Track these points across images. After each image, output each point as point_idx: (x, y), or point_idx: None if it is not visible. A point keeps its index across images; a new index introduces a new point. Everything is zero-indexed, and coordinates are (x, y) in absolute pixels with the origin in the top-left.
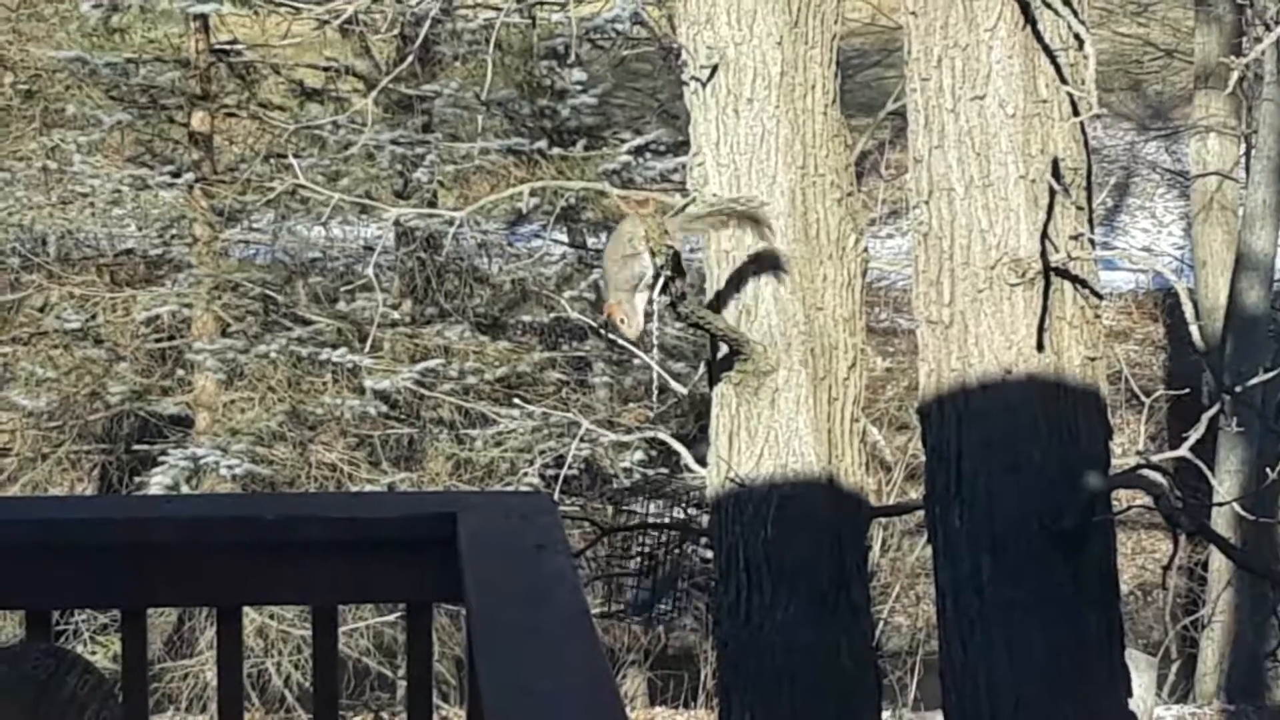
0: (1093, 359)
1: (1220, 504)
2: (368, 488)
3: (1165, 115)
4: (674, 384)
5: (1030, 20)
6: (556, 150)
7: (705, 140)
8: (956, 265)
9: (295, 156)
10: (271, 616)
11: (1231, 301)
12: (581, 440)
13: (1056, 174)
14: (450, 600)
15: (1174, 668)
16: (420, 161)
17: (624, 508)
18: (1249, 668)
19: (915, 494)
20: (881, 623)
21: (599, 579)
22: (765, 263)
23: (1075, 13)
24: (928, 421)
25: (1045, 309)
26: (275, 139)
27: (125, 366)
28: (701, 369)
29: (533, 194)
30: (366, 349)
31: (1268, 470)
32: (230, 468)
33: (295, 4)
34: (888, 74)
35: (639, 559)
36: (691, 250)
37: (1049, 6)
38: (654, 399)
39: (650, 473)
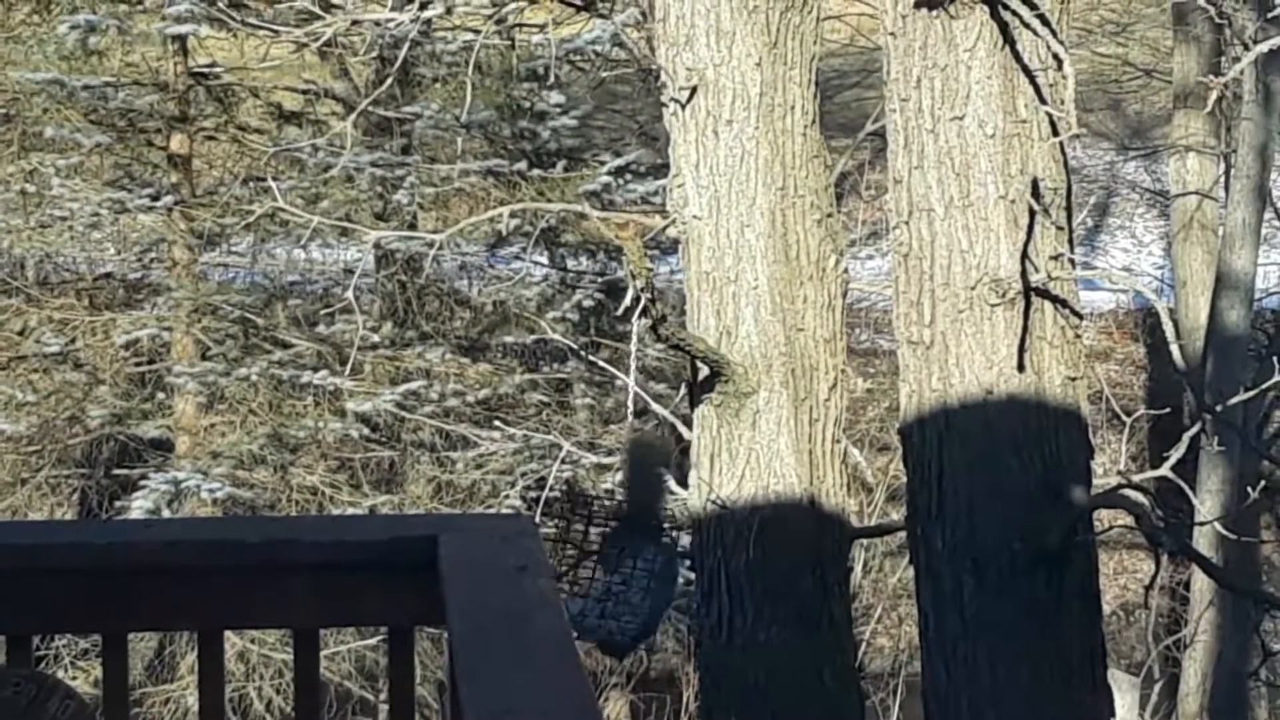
0: (1073, 379)
1: (1202, 523)
2: (349, 510)
3: (1145, 135)
4: (655, 406)
5: (1009, 41)
6: (536, 172)
7: (685, 161)
8: (937, 286)
9: (274, 179)
10: (253, 640)
11: (1212, 321)
12: (563, 462)
13: (1036, 194)
14: (432, 623)
15: (1156, 688)
16: (400, 184)
17: (606, 529)
18: (1231, 687)
19: (897, 515)
20: (864, 644)
21: (580, 599)
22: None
23: (1054, 33)
24: (909, 442)
25: (1026, 329)
26: (254, 162)
27: (105, 390)
28: (682, 391)
29: (513, 215)
30: (347, 372)
31: (1248, 489)
32: (211, 491)
33: (274, 26)
34: (867, 95)
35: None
36: (672, 272)
37: (1028, 27)
38: (634, 421)
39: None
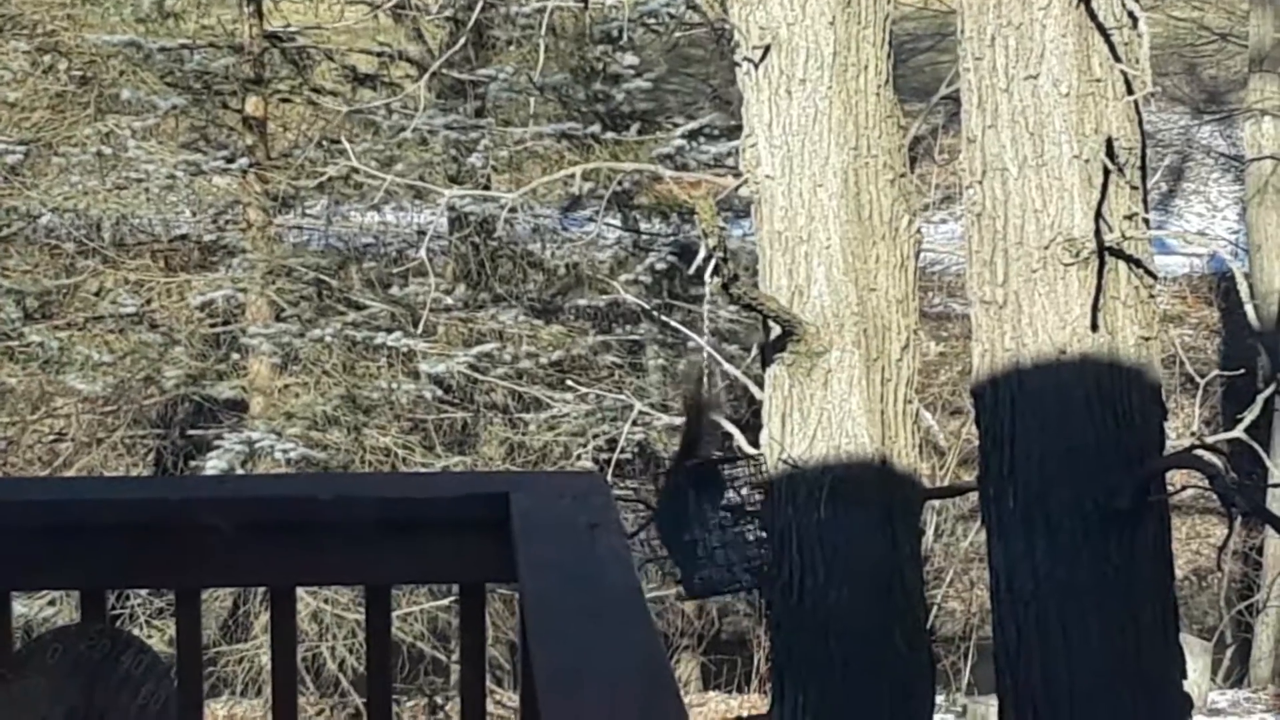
0: (1147, 339)
1: (1275, 485)
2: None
3: (1220, 99)
4: (727, 366)
5: None
6: (610, 134)
7: (758, 121)
8: (1010, 245)
9: (349, 141)
10: (326, 600)
11: None
12: (635, 423)
13: (1111, 153)
14: (503, 580)
15: (1228, 652)
16: (473, 146)
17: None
18: None
19: (969, 479)
20: (935, 607)
21: (652, 561)
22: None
23: None
24: (981, 402)
25: (1099, 289)
26: (328, 124)
27: (180, 351)
28: (754, 351)
29: (585, 178)
30: (420, 333)
31: None
32: (285, 451)
33: None
34: (942, 58)
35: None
36: (745, 235)
37: None
38: (707, 381)
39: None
